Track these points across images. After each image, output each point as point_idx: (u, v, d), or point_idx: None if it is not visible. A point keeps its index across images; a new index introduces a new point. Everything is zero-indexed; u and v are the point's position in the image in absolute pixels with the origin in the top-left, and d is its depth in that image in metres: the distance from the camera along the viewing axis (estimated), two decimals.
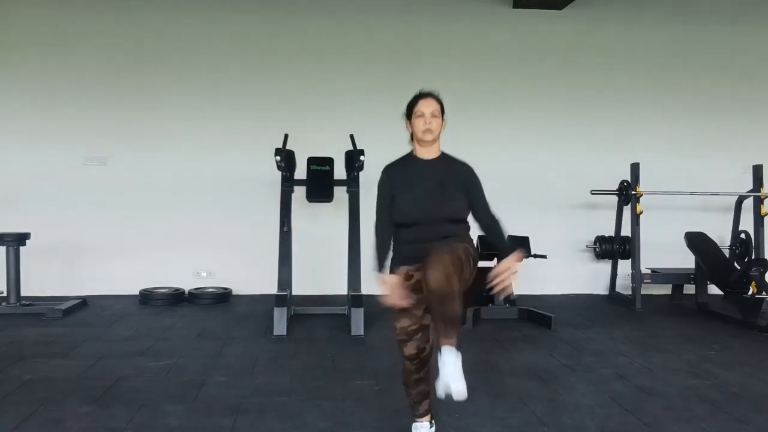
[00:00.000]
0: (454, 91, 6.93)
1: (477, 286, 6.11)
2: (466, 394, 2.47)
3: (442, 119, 2.76)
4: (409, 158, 2.83)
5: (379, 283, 2.72)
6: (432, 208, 2.68)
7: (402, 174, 2.78)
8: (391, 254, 2.79)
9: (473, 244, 2.83)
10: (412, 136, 2.80)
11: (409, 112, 2.77)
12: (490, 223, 2.77)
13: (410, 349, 2.76)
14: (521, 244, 5.80)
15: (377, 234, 2.81)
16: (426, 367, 2.83)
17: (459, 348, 2.52)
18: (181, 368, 4.11)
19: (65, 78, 6.75)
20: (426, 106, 2.72)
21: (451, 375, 2.47)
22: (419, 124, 2.72)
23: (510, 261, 2.65)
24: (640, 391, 3.76)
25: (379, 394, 3.45)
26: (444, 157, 2.82)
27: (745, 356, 4.59)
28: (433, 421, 2.99)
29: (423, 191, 2.70)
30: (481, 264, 6.42)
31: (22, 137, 6.72)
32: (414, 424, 2.96)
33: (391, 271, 2.75)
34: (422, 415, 2.94)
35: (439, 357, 2.55)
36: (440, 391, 2.49)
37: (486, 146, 6.99)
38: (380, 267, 2.76)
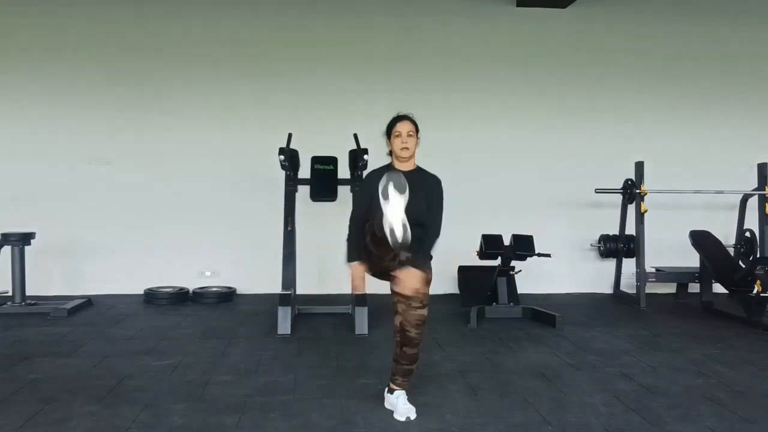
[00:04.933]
0: (456, 90, 7.05)
1: (481, 285, 6.07)
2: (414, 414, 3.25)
3: (417, 138, 3.28)
4: (389, 169, 3.24)
5: (350, 272, 3.22)
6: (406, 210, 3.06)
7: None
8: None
9: (431, 267, 3.29)
10: (391, 152, 3.32)
11: (389, 132, 3.28)
12: (431, 229, 3.24)
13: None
14: (525, 243, 5.79)
15: (353, 227, 3.29)
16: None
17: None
18: (185, 367, 4.12)
19: (70, 79, 6.77)
20: (403, 127, 3.23)
21: (408, 408, 3.26)
22: (397, 143, 3.24)
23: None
24: (644, 390, 3.75)
25: (383, 393, 3.45)
26: (418, 170, 3.32)
27: (750, 355, 4.58)
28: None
29: None
30: (482, 264, 6.45)
31: (27, 137, 6.74)
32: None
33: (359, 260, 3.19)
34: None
35: (391, 396, 3.35)
36: (401, 419, 3.23)
37: (489, 145, 7.01)
38: (352, 257, 3.22)
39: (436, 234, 3.27)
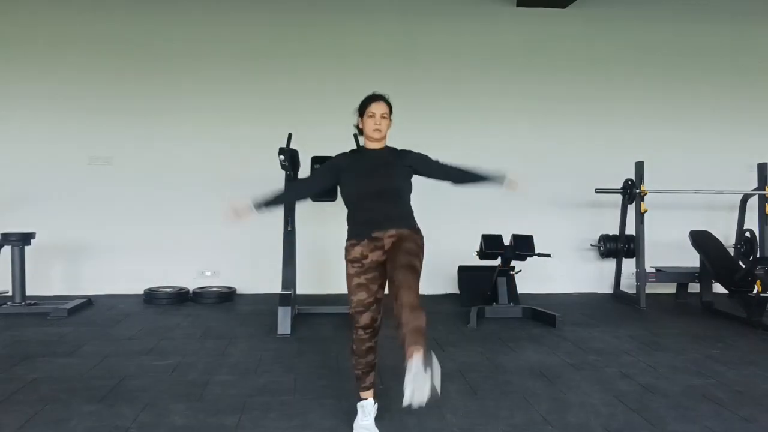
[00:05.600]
0: (457, 90, 7.05)
1: (481, 285, 6.06)
2: (425, 401, 2.47)
3: (390, 120, 3.12)
4: (359, 150, 3.23)
5: (234, 207, 3.28)
6: (379, 181, 3.02)
7: (352, 159, 3.15)
8: (347, 227, 3.09)
9: (419, 230, 3.07)
10: (361, 131, 3.15)
11: (362, 111, 3.12)
12: (459, 173, 3.23)
13: (365, 319, 3.00)
14: (525, 243, 5.80)
15: (288, 187, 3.40)
16: (376, 337, 3.06)
17: (427, 353, 2.54)
18: (185, 367, 4.12)
19: (70, 78, 6.77)
20: (377, 108, 3.08)
21: (417, 386, 2.46)
22: (370, 124, 3.07)
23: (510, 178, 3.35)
24: (644, 390, 3.75)
25: (382, 393, 3.45)
26: (389, 148, 3.17)
27: (750, 355, 4.58)
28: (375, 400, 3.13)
29: (372, 168, 3.05)
30: (482, 264, 6.44)
31: (28, 137, 6.74)
32: (360, 403, 3.09)
33: (350, 243, 3.03)
34: (368, 388, 3.11)
35: (407, 367, 2.51)
36: (406, 398, 2.45)
37: (489, 145, 6.99)
38: (260, 204, 3.30)
39: (460, 166, 3.25)
